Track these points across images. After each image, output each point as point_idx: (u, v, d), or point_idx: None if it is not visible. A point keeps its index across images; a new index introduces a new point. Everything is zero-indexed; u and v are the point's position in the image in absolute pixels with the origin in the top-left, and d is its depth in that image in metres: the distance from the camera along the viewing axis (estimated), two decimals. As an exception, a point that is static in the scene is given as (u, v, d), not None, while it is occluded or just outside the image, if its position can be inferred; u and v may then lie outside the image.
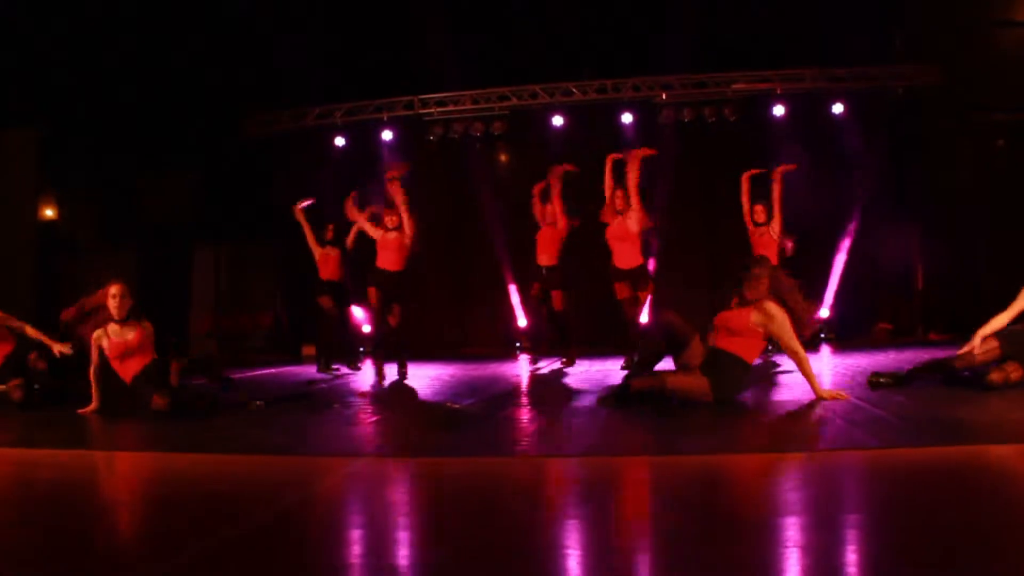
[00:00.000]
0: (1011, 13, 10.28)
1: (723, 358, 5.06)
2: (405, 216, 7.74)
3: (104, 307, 5.59)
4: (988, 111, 11.23)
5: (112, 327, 5.61)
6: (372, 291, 7.89)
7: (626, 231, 7.80)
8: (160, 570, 2.31)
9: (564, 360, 8.86)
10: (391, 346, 8.28)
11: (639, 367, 5.51)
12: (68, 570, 2.36)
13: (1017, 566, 2.15)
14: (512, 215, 10.55)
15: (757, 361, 5.42)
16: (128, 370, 5.61)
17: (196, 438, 4.89)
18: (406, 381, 7.78)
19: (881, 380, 5.67)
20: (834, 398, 5.07)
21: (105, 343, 5.58)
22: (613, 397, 5.29)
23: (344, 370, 9.09)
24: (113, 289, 5.56)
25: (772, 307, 4.99)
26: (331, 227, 9.16)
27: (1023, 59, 10.20)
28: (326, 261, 9.08)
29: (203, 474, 3.92)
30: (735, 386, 5.12)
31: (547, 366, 8.97)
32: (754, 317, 5.01)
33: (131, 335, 5.62)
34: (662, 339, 5.27)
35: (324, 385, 7.85)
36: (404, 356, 8.14)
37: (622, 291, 7.95)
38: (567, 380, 7.51)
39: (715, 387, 5.02)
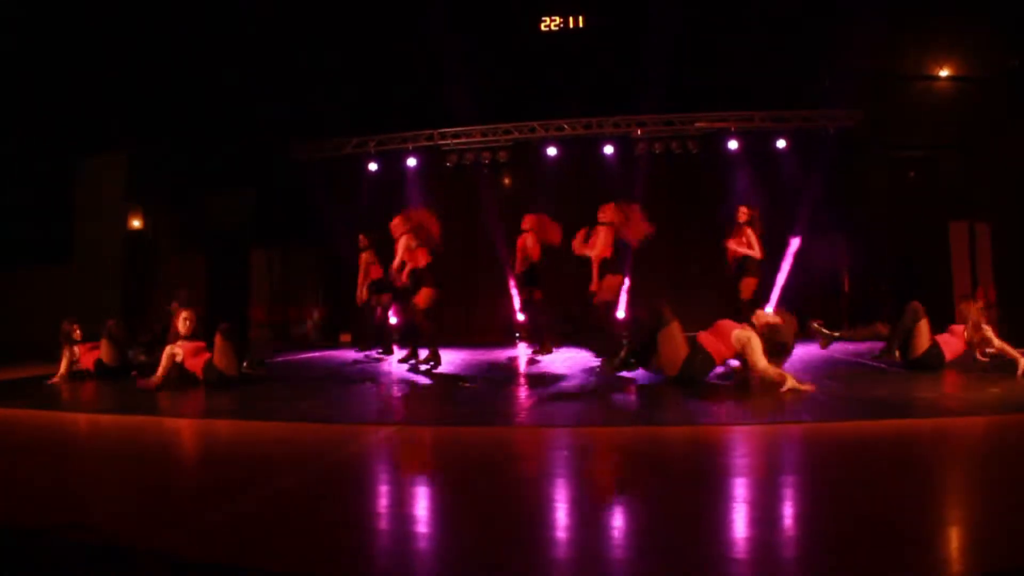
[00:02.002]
0: (920, 68, 10.38)
1: (698, 349, 5.09)
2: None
3: (175, 326, 6.14)
4: (902, 148, 11.28)
5: (183, 340, 6.08)
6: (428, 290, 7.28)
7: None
8: (230, 509, 2.34)
9: (544, 348, 8.56)
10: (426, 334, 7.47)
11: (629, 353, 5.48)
12: (160, 510, 2.39)
13: (910, 508, 2.19)
14: (513, 228, 10.49)
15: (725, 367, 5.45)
16: (197, 365, 5.99)
17: (254, 409, 4.92)
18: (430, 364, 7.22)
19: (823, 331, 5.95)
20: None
21: (179, 351, 6.00)
22: (620, 362, 5.45)
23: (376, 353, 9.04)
24: (184, 314, 6.12)
25: (751, 335, 4.96)
26: (362, 236, 9.11)
27: (930, 105, 10.31)
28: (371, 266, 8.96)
29: (260, 438, 3.95)
30: (698, 372, 5.13)
31: (538, 353, 8.76)
32: (736, 334, 5.02)
33: (198, 343, 6.10)
34: (635, 327, 5.32)
35: (359, 365, 7.85)
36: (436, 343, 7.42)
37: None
38: (555, 364, 7.46)
39: (683, 368, 5.06)
